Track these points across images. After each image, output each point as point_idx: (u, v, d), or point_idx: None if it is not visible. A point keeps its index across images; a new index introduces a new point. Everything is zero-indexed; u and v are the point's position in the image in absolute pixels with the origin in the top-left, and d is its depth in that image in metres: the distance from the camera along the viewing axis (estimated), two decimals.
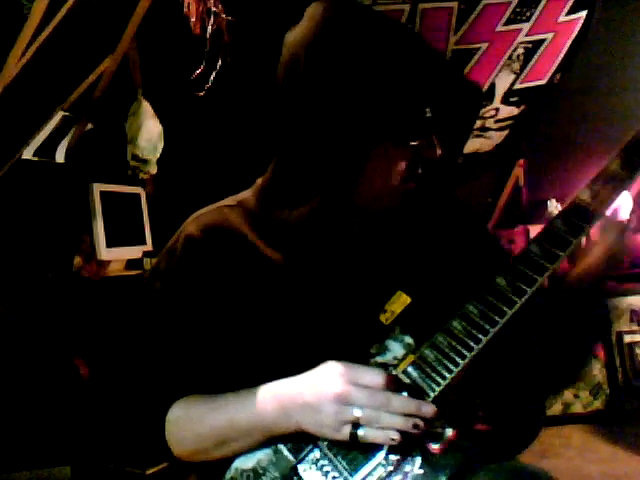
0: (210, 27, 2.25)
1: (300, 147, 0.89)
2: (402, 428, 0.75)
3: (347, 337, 0.87)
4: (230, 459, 0.85)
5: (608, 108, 3.37)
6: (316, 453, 0.81)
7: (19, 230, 2.46)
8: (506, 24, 3.04)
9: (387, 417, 0.75)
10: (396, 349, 0.84)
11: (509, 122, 3.57)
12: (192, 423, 0.87)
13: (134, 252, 2.84)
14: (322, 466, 0.80)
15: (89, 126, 2.81)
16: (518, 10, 2.99)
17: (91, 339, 2.46)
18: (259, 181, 1.02)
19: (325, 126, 0.85)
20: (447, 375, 0.79)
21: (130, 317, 1.01)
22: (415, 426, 0.75)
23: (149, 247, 2.95)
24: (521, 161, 3.77)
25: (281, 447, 0.82)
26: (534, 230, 3.71)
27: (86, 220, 2.65)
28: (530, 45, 3.17)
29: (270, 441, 0.82)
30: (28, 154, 2.54)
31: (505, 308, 0.81)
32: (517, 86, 3.38)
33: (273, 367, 0.86)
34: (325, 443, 0.81)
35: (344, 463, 0.79)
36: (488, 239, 1.12)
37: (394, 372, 0.82)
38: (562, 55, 3.27)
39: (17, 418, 2.23)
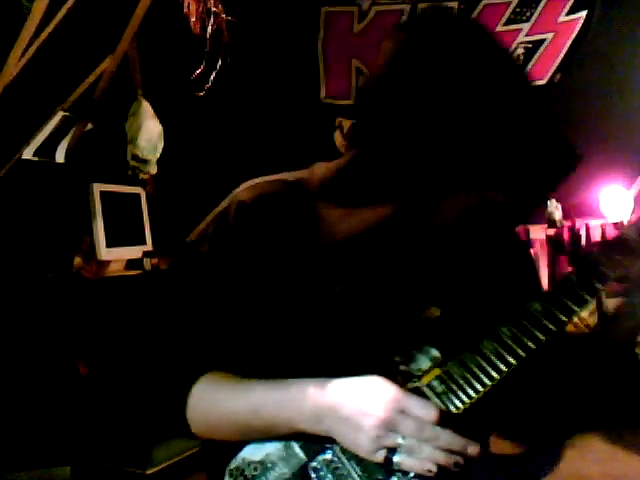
0: (210, 27, 2.26)
1: (395, 149, 0.85)
2: (443, 464, 0.74)
3: (376, 338, 0.86)
4: (237, 448, 0.83)
5: (608, 108, 3.37)
6: (329, 454, 0.80)
7: (19, 230, 2.46)
8: (506, 24, 3.04)
9: (429, 451, 0.73)
10: (422, 361, 0.83)
11: None
12: (215, 404, 0.84)
13: (134, 252, 2.84)
14: (335, 468, 0.79)
15: (89, 126, 2.81)
16: (518, 10, 2.99)
17: (91, 339, 2.46)
18: (329, 166, 0.97)
19: (428, 137, 0.82)
20: (473, 394, 0.79)
21: (169, 279, 0.97)
22: (456, 464, 0.74)
23: (149, 247, 2.95)
24: None
25: (293, 443, 0.80)
26: (534, 230, 3.71)
27: (86, 220, 2.65)
28: (530, 45, 3.18)
29: (284, 436, 0.81)
30: (28, 154, 2.54)
31: (539, 334, 0.80)
32: None
33: (301, 352, 0.85)
34: (344, 454, 0.79)
35: (358, 469, 0.78)
36: (524, 257, 1.09)
37: (418, 383, 0.81)
38: (562, 55, 3.27)
39: (17, 418, 2.23)
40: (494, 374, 0.79)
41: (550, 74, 3.37)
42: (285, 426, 0.79)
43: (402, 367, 0.83)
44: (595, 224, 3.61)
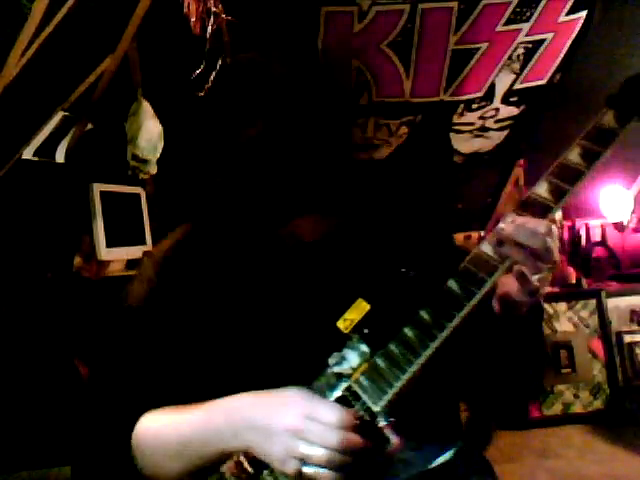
0: (210, 27, 2.25)
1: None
2: (352, 470, 0.73)
3: (306, 346, 0.86)
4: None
5: None
6: (267, 475, 0.79)
7: (19, 230, 2.46)
8: (506, 24, 3.04)
9: (338, 458, 0.72)
10: (353, 358, 0.83)
11: (509, 122, 3.57)
12: (150, 441, 0.85)
13: (134, 252, 2.83)
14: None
15: (89, 126, 2.81)
16: (518, 10, 2.99)
17: (91, 339, 2.46)
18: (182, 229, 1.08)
19: None
20: (395, 384, 0.78)
21: (108, 322, 1.02)
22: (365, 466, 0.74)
23: (149, 247, 2.95)
24: (521, 161, 3.77)
25: (242, 460, 0.80)
26: None
27: (86, 220, 2.65)
28: (530, 45, 3.17)
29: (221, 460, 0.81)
30: (28, 154, 2.54)
31: (454, 312, 0.80)
32: (517, 86, 3.38)
33: (235, 375, 0.86)
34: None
35: None
36: (450, 244, 1.11)
37: (349, 382, 0.82)
38: (562, 55, 3.27)
39: (17, 418, 2.23)
40: (414, 359, 0.79)
41: (550, 74, 3.38)
42: (213, 448, 0.80)
43: (335, 369, 0.82)
44: (595, 224, 3.61)
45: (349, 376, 0.82)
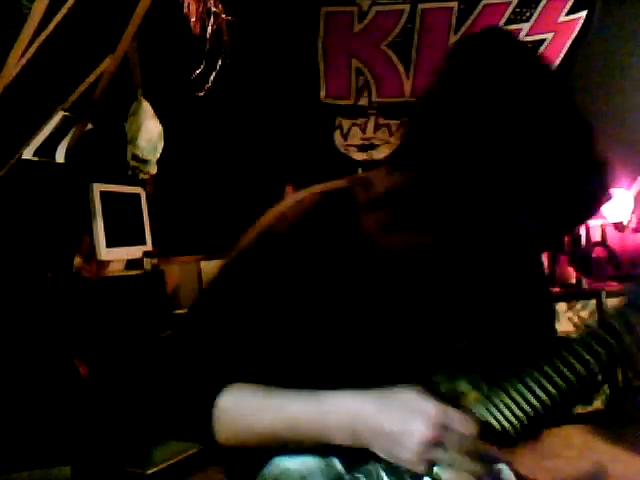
0: (210, 27, 2.25)
1: (458, 178, 0.78)
2: (480, 476, 0.75)
3: (416, 358, 0.86)
4: (267, 455, 0.82)
5: (608, 108, 3.37)
6: (369, 468, 0.79)
7: (19, 230, 2.46)
8: (506, 24, 3.04)
9: (470, 464, 0.75)
10: (460, 383, 0.84)
11: None
12: (246, 416, 0.83)
13: (134, 252, 2.84)
14: None
15: (89, 126, 2.81)
16: (518, 10, 2.99)
17: (91, 339, 2.46)
18: (381, 181, 0.90)
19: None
20: (514, 420, 0.80)
21: (212, 281, 0.92)
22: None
23: (149, 247, 2.95)
24: None
25: (332, 457, 0.80)
26: None
27: (86, 220, 2.65)
28: (530, 45, 3.18)
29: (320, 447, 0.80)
30: (28, 154, 2.54)
31: (581, 368, 0.81)
32: None
33: (336, 368, 0.84)
34: (380, 464, 0.79)
35: None
36: (542, 285, 1.07)
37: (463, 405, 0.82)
38: (562, 55, 3.27)
39: (17, 418, 2.23)
40: (535, 402, 0.80)
41: None
42: (320, 440, 0.79)
43: (441, 388, 0.83)
44: (595, 224, 3.61)
45: (457, 398, 0.82)
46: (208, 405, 0.83)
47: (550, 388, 0.80)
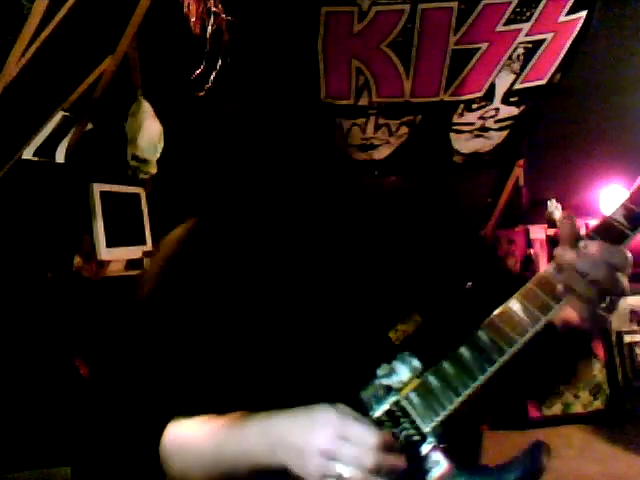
0: (210, 27, 2.25)
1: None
2: None
3: (355, 354, 0.84)
4: None
5: (608, 108, 3.37)
6: None
7: (19, 230, 2.46)
8: (506, 24, 3.04)
9: (360, 475, 0.71)
10: (403, 372, 0.81)
11: (509, 122, 3.57)
12: (181, 449, 0.84)
13: (134, 252, 2.84)
14: None
15: (89, 126, 2.81)
16: (518, 10, 2.99)
17: (91, 339, 2.46)
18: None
19: None
20: (448, 406, 0.77)
21: (121, 328, 0.98)
22: None
23: (149, 247, 2.95)
24: (521, 161, 3.77)
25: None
26: (534, 230, 3.71)
27: (86, 220, 2.65)
28: (530, 45, 3.17)
29: (259, 477, 0.80)
30: (28, 154, 2.54)
31: (517, 337, 0.78)
32: (517, 86, 3.38)
33: (272, 383, 0.84)
34: None
35: None
36: (488, 251, 1.10)
37: (398, 396, 0.80)
38: (562, 55, 3.27)
39: (17, 418, 2.23)
40: (470, 382, 0.78)
41: (550, 74, 3.38)
42: (246, 463, 0.79)
43: (384, 381, 0.81)
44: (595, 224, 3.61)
45: (398, 390, 0.80)
46: (154, 444, 0.85)
47: (484, 364, 0.78)
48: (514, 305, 0.80)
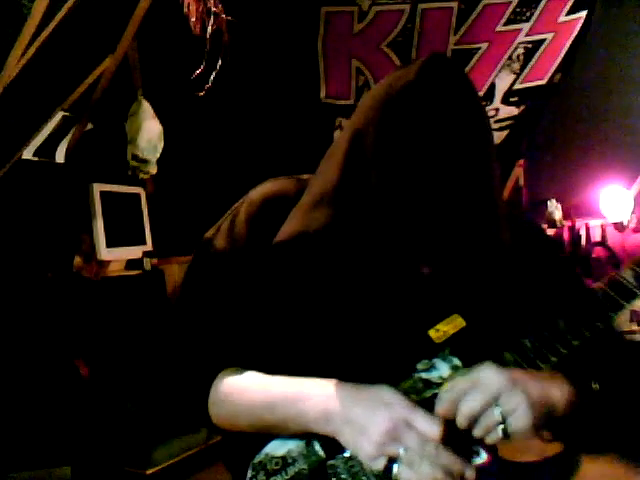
0: (210, 27, 2.25)
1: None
2: None
3: (395, 347, 0.86)
4: (263, 443, 0.85)
5: (608, 108, 3.37)
6: (348, 454, 0.80)
7: (19, 230, 2.46)
8: (506, 24, 3.04)
9: (428, 468, 0.73)
10: (443, 369, 0.83)
11: (509, 122, 3.57)
12: (234, 398, 0.87)
13: (134, 252, 2.84)
14: (351, 467, 0.79)
15: (89, 126, 2.81)
16: (518, 10, 2.99)
17: (91, 339, 2.46)
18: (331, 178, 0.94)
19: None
20: None
21: (189, 274, 0.98)
22: None
23: (149, 247, 2.95)
24: (521, 161, 3.77)
25: (314, 442, 0.82)
26: None
27: (86, 220, 2.65)
28: (530, 45, 3.18)
29: (305, 433, 0.82)
30: (28, 154, 2.54)
31: (561, 348, 0.81)
32: (517, 86, 3.38)
33: (318, 365, 0.86)
34: None
35: (373, 473, 0.78)
36: (561, 266, 1.03)
37: (437, 390, 0.81)
38: (562, 55, 3.27)
39: (17, 418, 2.23)
40: None
41: (550, 74, 3.38)
42: (295, 423, 0.81)
43: (423, 375, 0.83)
44: (595, 224, 3.61)
45: (438, 385, 0.82)
46: (205, 388, 0.89)
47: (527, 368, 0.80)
48: (561, 321, 0.83)
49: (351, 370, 0.83)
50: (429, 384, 0.82)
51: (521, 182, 3.80)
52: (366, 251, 0.88)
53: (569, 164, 3.57)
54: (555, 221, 3.64)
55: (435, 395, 0.81)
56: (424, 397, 0.82)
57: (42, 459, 2.20)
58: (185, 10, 2.23)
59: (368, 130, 0.85)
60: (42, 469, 2.19)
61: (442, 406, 0.77)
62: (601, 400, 0.85)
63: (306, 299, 0.89)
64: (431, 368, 0.83)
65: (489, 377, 0.77)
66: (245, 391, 0.86)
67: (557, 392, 0.79)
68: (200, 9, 2.22)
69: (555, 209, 3.69)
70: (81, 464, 2.27)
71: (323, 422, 0.79)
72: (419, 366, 0.83)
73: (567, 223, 3.64)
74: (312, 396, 0.81)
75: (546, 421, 0.78)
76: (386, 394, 0.77)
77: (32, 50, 2.08)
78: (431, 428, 0.74)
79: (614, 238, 3.61)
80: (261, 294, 0.90)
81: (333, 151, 0.91)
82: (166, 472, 2.41)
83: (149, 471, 2.36)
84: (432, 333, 0.85)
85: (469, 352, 0.84)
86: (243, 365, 0.89)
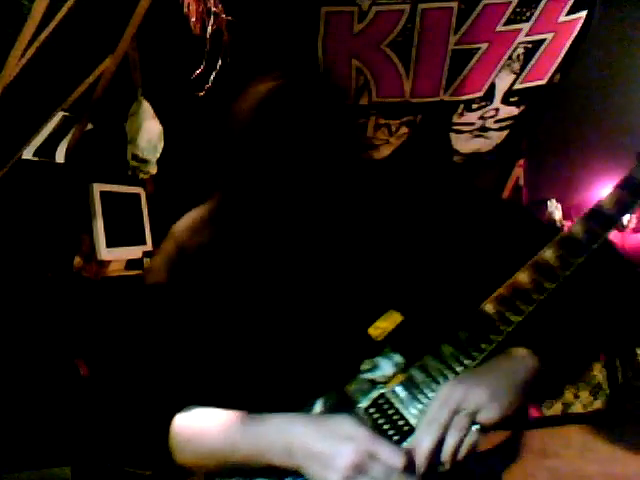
0: (210, 27, 2.25)
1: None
2: None
3: (337, 350, 0.87)
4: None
5: (608, 108, 3.37)
6: None
7: (19, 230, 2.46)
8: (506, 24, 3.04)
9: None
10: (386, 367, 0.84)
11: (509, 122, 3.57)
12: (193, 439, 0.88)
13: (134, 252, 2.84)
14: None
15: (89, 126, 2.81)
16: (518, 10, 2.99)
17: (91, 339, 2.46)
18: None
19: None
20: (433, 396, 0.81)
21: (132, 318, 1.01)
22: None
23: (149, 247, 2.95)
24: (521, 161, 3.77)
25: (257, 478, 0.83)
26: None
27: (86, 220, 2.65)
28: (530, 45, 3.17)
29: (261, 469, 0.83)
30: (28, 154, 2.54)
31: (492, 336, 0.83)
32: (517, 86, 3.38)
33: (264, 376, 0.88)
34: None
35: None
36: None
37: (383, 390, 0.83)
38: (562, 55, 3.27)
39: (17, 418, 2.23)
40: (451, 376, 0.82)
41: (550, 74, 3.37)
42: (259, 460, 0.82)
43: (368, 375, 0.84)
44: None
45: (383, 384, 0.83)
46: (164, 430, 0.89)
47: (464, 360, 0.82)
48: (488, 307, 0.84)
49: (298, 378, 0.84)
50: (374, 384, 0.84)
51: (521, 182, 3.80)
52: (273, 260, 0.92)
53: (569, 164, 3.57)
54: (555, 221, 3.64)
55: (382, 395, 0.83)
56: (371, 398, 0.83)
57: (42, 459, 2.20)
58: (185, 10, 2.23)
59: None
60: (42, 469, 2.19)
61: (426, 446, 0.78)
62: (563, 353, 0.87)
63: (242, 314, 0.91)
64: (374, 368, 0.84)
65: (445, 394, 0.80)
66: (205, 435, 0.87)
67: (518, 366, 0.82)
68: (200, 9, 2.22)
69: (555, 209, 3.69)
70: (81, 464, 2.27)
71: (286, 457, 0.79)
72: (363, 366, 0.85)
73: (567, 223, 3.64)
74: (273, 432, 0.81)
75: (520, 398, 0.80)
76: (347, 427, 0.78)
77: (32, 50, 2.07)
78: (395, 458, 0.76)
79: (614, 238, 3.61)
80: (200, 319, 0.92)
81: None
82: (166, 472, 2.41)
83: (149, 471, 2.35)
84: (372, 331, 0.86)
85: (409, 347, 0.85)
86: (198, 396, 0.90)
